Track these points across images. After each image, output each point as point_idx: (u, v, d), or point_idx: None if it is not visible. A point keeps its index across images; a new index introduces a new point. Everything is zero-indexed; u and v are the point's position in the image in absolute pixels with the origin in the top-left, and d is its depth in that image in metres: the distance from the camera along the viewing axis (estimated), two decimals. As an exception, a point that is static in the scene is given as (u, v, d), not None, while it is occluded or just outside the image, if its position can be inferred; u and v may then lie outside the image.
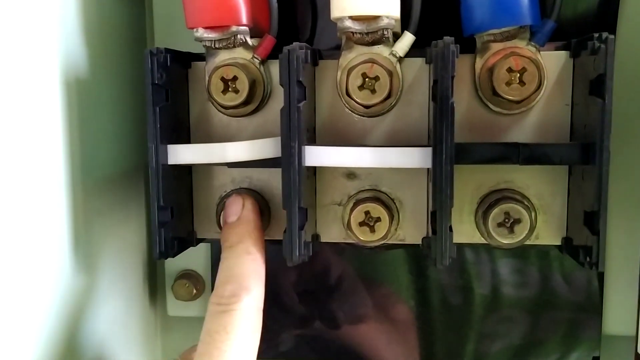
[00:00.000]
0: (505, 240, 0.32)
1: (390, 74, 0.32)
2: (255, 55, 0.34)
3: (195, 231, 0.37)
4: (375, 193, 0.35)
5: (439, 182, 0.30)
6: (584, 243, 0.31)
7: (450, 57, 0.30)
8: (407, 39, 0.33)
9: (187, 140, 0.36)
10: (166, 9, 0.41)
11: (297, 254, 0.32)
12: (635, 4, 0.37)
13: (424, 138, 0.34)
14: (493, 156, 0.31)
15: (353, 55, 0.33)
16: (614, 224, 0.37)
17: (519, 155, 0.31)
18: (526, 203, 0.33)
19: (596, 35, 0.30)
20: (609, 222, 0.30)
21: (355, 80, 0.32)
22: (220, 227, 0.35)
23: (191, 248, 0.37)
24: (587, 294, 0.41)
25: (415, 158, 0.32)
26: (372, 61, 0.32)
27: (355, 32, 0.32)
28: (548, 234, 0.34)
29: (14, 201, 0.29)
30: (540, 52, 0.32)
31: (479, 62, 0.33)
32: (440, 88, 0.30)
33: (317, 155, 0.32)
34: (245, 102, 0.34)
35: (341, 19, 0.32)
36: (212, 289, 0.31)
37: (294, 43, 0.31)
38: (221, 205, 0.36)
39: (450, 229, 0.31)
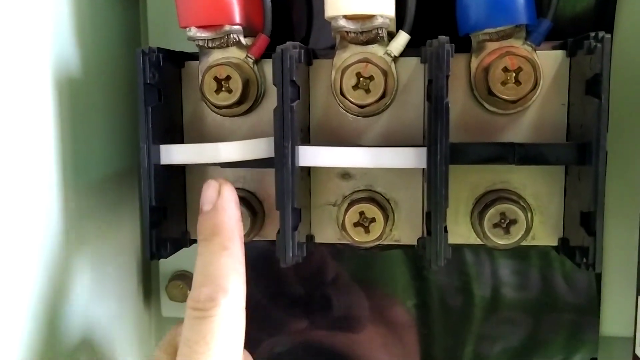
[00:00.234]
0: (501, 241, 0.32)
1: (385, 73, 0.32)
2: (249, 55, 0.34)
3: (188, 232, 0.37)
4: (370, 193, 0.35)
5: (434, 183, 0.30)
6: (581, 244, 0.31)
7: (445, 56, 0.29)
8: (402, 38, 0.33)
9: (181, 140, 0.36)
10: (160, 9, 0.41)
11: (291, 254, 0.31)
12: (633, 2, 0.37)
13: (419, 138, 0.34)
14: (488, 156, 0.31)
15: (347, 55, 0.33)
16: (611, 224, 0.37)
17: (515, 155, 0.31)
18: (522, 203, 0.33)
19: (592, 34, 0.30)
20: (606, 223, 0.30)
21: (350, 80, 0.32)
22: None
23: (186, 249, 0.37)
24: (588, 295, 0.41)
25: (410, 158, 0.31)
26: (366, 61, 0.32)
27: (350, 32, 0.32)
28: (544, 235, 0.34)
29: (4, 202, 0.29)
30: (536, 52, 0.32)
31: (474, 62, 0.33)
32: (435, 88, 0.30)
33: (311, 156, 0.32)
34: (239, 102, 0.33)
35: (335, 18, 0.32)
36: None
37: (287, 42, 0.31)
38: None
39: (445, 230, 0.31)
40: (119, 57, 0.39)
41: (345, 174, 0.35)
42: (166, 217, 0.34)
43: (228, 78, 0.33)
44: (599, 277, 0.40)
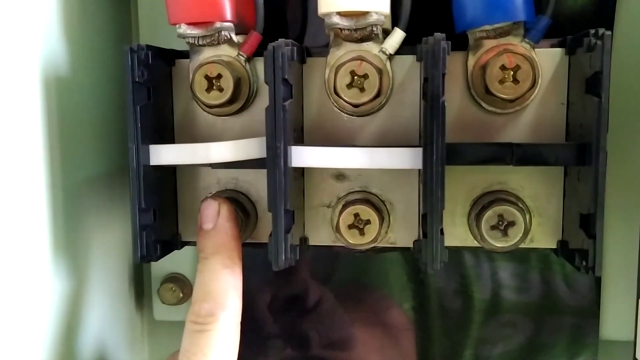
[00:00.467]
0: (498, 243, 0.32)
1: (380, 71, 0.32)
2: (241, 53, 0.33)
3: (180, 234, 0.36)
4: (365, 195, 0.34)
5: (430, 184, 0.29)
6: (580, 246, 0.30)
7: (441, 54, 0.29)
8: (397, 35, 0.32)
9: (171, 140, 0.35)
10: (151, 6, 0.41)
11: (283, 258, 0.31)
12: (634, -1, 0.37)
13: (415, 138, 0.33)
14: (486, 157, 0.31)
15: (341, 53, 0.32)
16: (611, 226, 0.37)
17: (513, 155, 0.30)
18: (520, 205, 0.32)
19: (592, 31, 0.29)
20: (606, 225, 0.29)
21: (344, 78, 0.32)
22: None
23: (178, 251, 0.36)
24: (589, 299, 0.40)
25: (406, 159, 0.31)
26: (360, 58, 0.32)
27: (344, 29, 0.31)
28: (543, 237, 0.34)
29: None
30: (535, 49, 0.32)
31: (471, 60, 0.32)
32: (430, 86, 0.29)
33: (304, 156, 0.31)
34: (230, 101, 0.33)
35: (329, 14, 0.31)
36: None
37: (279, 39, 0.30)
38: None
39: (442, 232, 0.30)
40: (109, 55, 0.39)
41: (340, 174, 0.34)
42: (156, 219, 0.33)
43: (219, 76, 0.32)
44: (599, 280, 0.40)
